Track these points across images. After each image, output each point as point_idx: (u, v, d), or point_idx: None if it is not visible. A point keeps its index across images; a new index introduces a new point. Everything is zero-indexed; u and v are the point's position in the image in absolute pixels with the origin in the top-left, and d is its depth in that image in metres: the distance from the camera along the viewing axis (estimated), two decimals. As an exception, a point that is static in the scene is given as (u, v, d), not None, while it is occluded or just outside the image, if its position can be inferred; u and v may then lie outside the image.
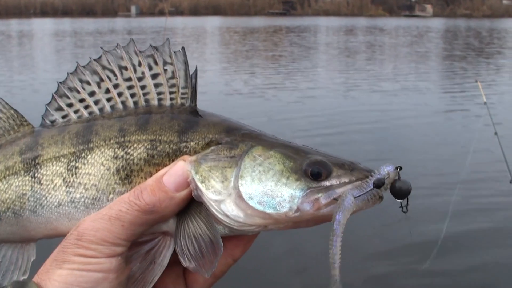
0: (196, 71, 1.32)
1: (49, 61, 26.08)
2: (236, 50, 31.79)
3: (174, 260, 1.22)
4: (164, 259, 1.22)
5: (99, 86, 1.32)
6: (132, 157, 1.26)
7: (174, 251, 1.22)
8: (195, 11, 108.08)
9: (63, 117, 1.36)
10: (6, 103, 1.41)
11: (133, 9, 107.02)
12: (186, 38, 40.59)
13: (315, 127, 11.79)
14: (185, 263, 1.17)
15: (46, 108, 1.36)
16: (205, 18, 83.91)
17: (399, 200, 1.17)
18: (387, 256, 5.93)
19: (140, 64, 1.31)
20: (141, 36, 41.73)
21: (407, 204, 1.17)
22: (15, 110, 1.41)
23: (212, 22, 70.72)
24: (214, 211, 1.19)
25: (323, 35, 48.10)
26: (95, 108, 1.33)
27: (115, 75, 1.32)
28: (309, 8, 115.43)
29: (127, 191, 1.23)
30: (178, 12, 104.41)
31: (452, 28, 60.98)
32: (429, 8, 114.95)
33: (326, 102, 15.00)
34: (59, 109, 1.35)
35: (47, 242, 1.35)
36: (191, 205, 1.22)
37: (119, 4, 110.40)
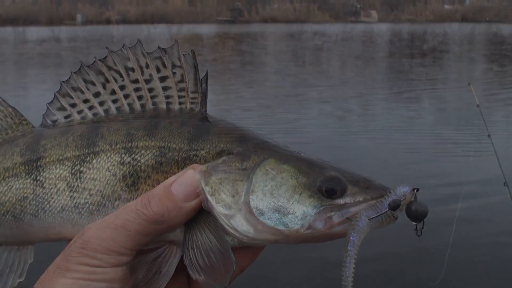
0: (206, 75, 1.28)
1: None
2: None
3: (179, 268, 1.19)
4: (170, 268, 1.18)
5: (104, 87, 1.28)
6: (139, 164, 1.22)
7: (180, 260, 1.18)
8: (142, 19, 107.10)
9: (66, 117, 1.30)
10: (4, 101, 1.35)
11: (78, 17, 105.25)
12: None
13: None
14: (194, 275, 1.13)
15: (48, 107, 1.31)
16: (153, 26, 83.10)
17: (414, 223, 1.13)
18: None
19: (147, 66, 1.26)
20: (88, 44, 41.04)
21: (423, 227, 1.13)
22: (13, 108, 1.35)
23: (160, 30, 70.10)
24: (223, 224, 1.16)
25: (270, 41, 48.34)
26: (100, 110, 1.29)
27: (121, 76, 1.27)
28: (257, 15, 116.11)
29: (133, 198, 1.19)
30: (125, 20, 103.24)
31: (398, 32, 62.16)
32: (374, 13, 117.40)
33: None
34: (62, 108, 1.30)
35: (47, 244, 1.29)
36: (200, 215, 1.18)
37: (64, 12, 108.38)
